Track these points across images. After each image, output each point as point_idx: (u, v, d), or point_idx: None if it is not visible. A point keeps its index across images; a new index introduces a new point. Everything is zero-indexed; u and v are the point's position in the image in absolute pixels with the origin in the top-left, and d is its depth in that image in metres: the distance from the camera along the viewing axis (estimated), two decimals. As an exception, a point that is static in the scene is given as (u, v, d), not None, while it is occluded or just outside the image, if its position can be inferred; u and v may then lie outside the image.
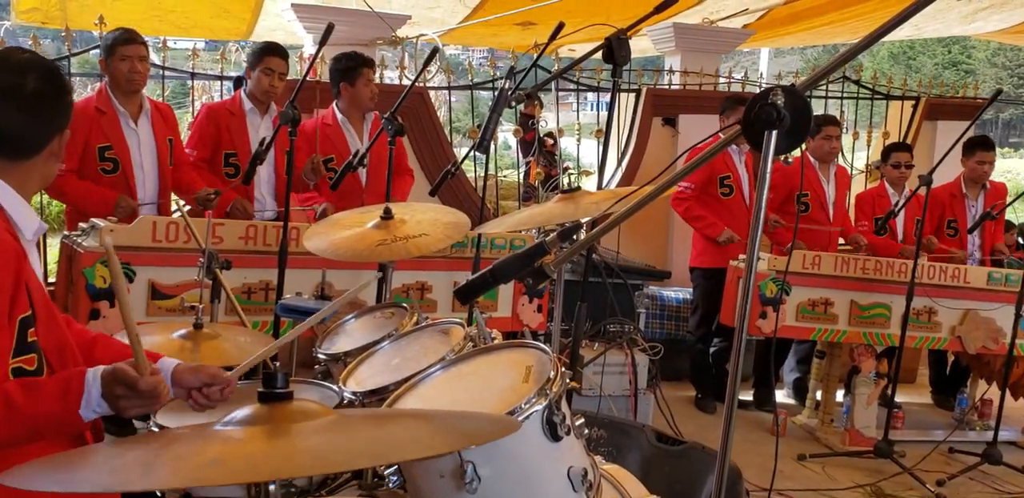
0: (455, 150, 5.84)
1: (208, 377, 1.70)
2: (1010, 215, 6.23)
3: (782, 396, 5.47)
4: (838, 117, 6.35)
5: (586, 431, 1.59)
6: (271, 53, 4.00)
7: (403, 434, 0.97)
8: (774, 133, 1.21)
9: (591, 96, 6.60)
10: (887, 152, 5.25)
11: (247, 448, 0.93)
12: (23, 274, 1.53)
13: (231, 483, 0.81)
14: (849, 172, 5.55)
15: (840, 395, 4.80)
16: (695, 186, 4.89)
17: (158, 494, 1.81)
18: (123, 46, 3.69)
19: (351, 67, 4.13)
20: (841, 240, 5.28)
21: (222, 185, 3.92)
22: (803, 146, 5.39)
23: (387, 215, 2.77)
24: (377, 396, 1.81)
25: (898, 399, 4.64)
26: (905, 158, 5.15)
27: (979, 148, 5.14)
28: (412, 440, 0.94)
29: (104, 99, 3.75)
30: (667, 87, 6.40)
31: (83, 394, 1.49)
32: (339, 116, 4.24)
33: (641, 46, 7.19)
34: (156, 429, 1.94)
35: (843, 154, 7.21)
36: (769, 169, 1.24)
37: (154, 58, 4.26)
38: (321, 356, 2.34)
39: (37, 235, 1.64)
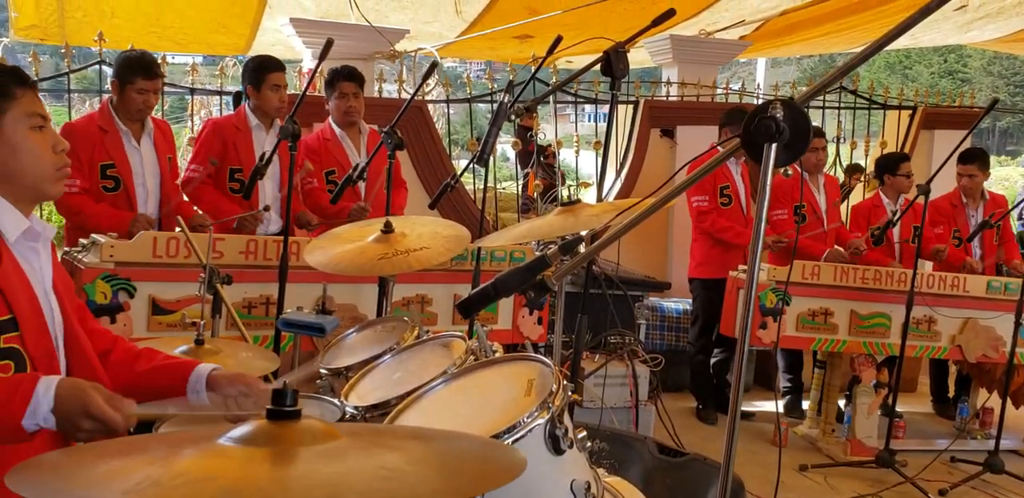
0: (454, 163, 5.86)
1: (245, 387, 1.67)
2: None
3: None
4: (836, 127, 6.39)
5: (588, 444, 1.59)
6: (273, 69, 3.99)
7: (409, 480, 0.96)
8: (774, 146, 1.22)
9: (589, 108, 6.62)
10: (895, 163, 5.15)
11: (244, 472, 0.93)
12: None
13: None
14: (838, 181, 5.52)
15: (841, 405, 4.80)
16: (709, 197, 4.89)
17: None
18: (145, 80, 3.67)
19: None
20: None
21: (227, 200, 3.93)
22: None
23: (388, 229, 2.77)
24: (379, 411, 1.81)
25: (899, 408, 4.63)
26: (911, 167, 5.14)
27: (960, 161, 5.11)
28: (418, 488, 0.93)
29: (106, 117, 3.74)
30: (665, 99, 6.42)
31: (28, 404, 1.38)
32: (336, 130, 4.25)
33: (638, 58, 7.23)
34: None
35: (839, 162, 7.25)
36: (769, 182, 1.24)
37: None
38: (323, 371, 2.34)
39: (31, 239, 1.61)
